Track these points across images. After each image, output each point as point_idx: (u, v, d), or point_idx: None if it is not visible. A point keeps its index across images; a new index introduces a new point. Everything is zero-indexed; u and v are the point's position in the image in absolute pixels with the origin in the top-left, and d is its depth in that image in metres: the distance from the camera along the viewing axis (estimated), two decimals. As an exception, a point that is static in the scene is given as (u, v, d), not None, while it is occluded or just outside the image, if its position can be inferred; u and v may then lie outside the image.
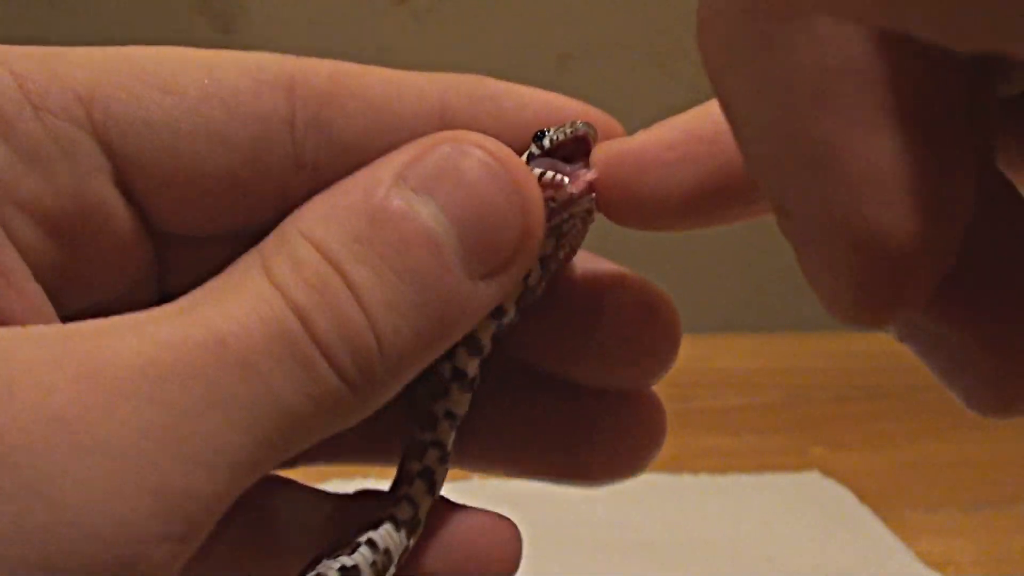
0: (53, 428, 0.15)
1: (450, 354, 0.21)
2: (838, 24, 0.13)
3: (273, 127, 0.19)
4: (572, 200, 0.20)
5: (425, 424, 0.22)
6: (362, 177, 0.19)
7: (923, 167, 0.13)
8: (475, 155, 0.19)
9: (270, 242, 0.19)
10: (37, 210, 0.18)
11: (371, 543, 0.20)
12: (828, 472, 0.56)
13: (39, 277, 0.19)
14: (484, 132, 0.20)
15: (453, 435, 0.22)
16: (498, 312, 0.21)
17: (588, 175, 0.20)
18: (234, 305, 0.17)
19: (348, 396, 0.18)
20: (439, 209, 0.18)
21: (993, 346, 0.15)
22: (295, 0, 0.93)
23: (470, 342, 0.21)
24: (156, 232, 0.20)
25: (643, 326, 0.22)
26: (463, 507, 0.22)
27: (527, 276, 0.21)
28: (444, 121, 0.20)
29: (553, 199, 0.20)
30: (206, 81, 0.19)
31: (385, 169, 0.19)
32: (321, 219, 0.18)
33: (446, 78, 0.21)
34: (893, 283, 0.13)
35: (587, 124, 0.20)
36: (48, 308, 0.19)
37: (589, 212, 0.21)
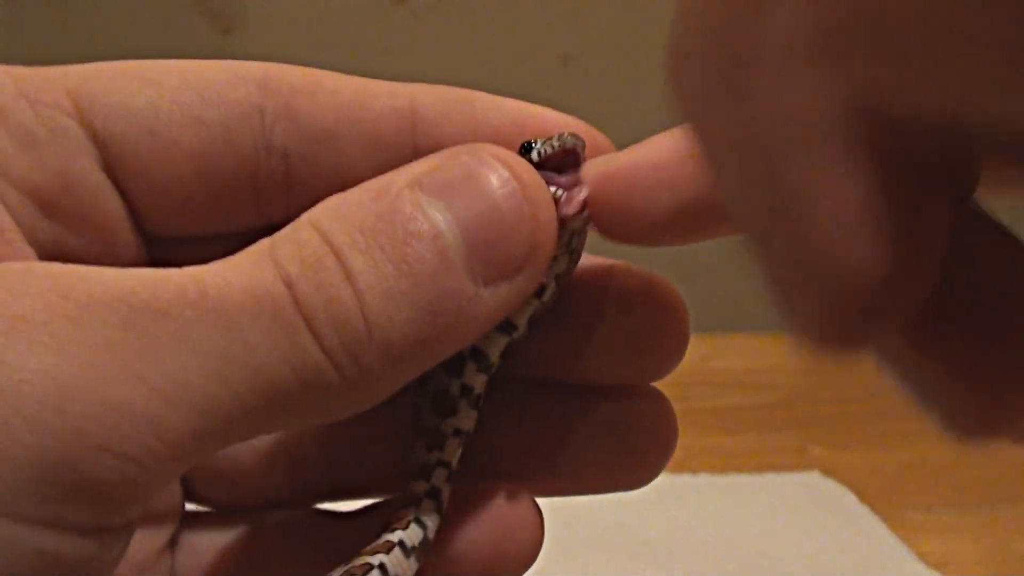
0: (15, 325, 0.16)
1: (459, 371, 0.21)
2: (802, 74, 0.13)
3: (243, 112, 0.20)
4: (568, 219, 0.20)
5: (432, 443, 0.22)
6: (380, 180, 0.19)
7: (891, 207, 0.13)
8: (491, 165, 0.19)
9: (282, 231, 0.19)
10: (28, 186, 0.20)
11: (383, 568, 0.20)
12: (828, 472, 0.56)
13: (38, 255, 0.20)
14: (455, 133, 0.20)
15: (459, 453, 0.22)
16: (509, 328, 0.21)
17: (581, 195, 0.20)
18: (226, 267, 0.18)
19: (334, 376, 0.18)
20: (449, 213, 0.18)
21: (968, 377, 0.15)
22: (295, 0, 0.93)
23: (479, 358, 0.21)
24: (148, 234, 0.21)
25: (650, 315, 0.22)
26: (482, 483, 0.22)
27: (541, 293, 0.20)
28: (415, 119, 0.21)
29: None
30: (184, 75, 0.20)
31: (402, 174, 0.19)
32: (332, 211, 0.19)
33: (419, 84, 0.21)
34: (862, 315, 0.13)
35: (575, 136, 0.20)
36: None
37: (586, 223, 0.20)
